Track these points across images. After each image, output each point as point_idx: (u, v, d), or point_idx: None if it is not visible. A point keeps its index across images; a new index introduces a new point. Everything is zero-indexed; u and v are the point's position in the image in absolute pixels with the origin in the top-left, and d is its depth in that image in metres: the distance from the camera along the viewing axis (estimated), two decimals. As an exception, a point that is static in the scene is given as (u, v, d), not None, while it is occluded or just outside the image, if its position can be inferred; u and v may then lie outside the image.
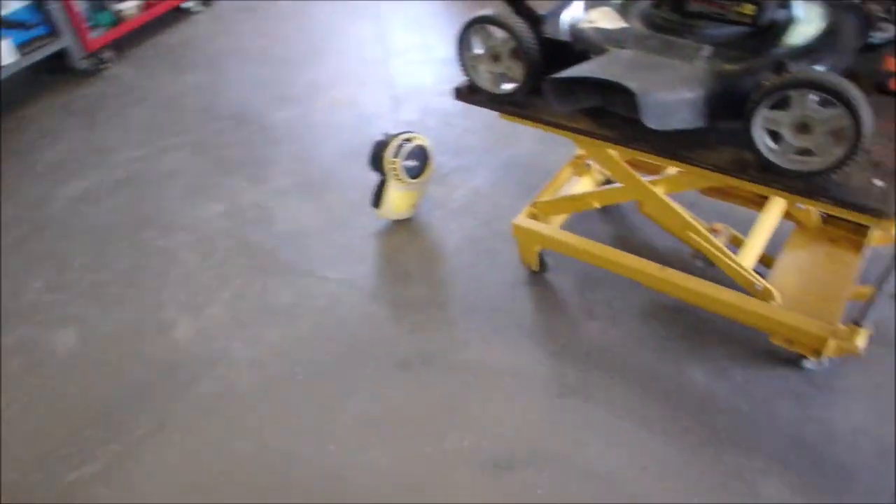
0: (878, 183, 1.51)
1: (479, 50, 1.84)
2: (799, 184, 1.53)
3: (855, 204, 1.49)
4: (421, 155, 2.63)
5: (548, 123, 1.82)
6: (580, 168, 2.46)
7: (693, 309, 2.16)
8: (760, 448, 1.84)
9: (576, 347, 2.16)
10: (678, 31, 1.69)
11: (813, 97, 1.43)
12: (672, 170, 2.05)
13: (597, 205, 2.20)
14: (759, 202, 2.20)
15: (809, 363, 1.96)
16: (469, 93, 1.93)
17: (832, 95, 1.41)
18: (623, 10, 1.83)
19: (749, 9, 1.58)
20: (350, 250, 2.62)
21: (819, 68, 1.56)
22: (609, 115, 1.74)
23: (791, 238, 2.15)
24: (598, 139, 1.77)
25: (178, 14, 4.45)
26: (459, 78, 1.91)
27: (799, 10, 1.71)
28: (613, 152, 1.94)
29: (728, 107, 1.58)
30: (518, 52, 1.76)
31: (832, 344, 1.80)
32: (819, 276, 2.02)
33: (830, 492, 1.74)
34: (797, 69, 1.47)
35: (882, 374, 1.98)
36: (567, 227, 2.32)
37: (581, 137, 1.81)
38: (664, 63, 1.60)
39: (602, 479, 1.82)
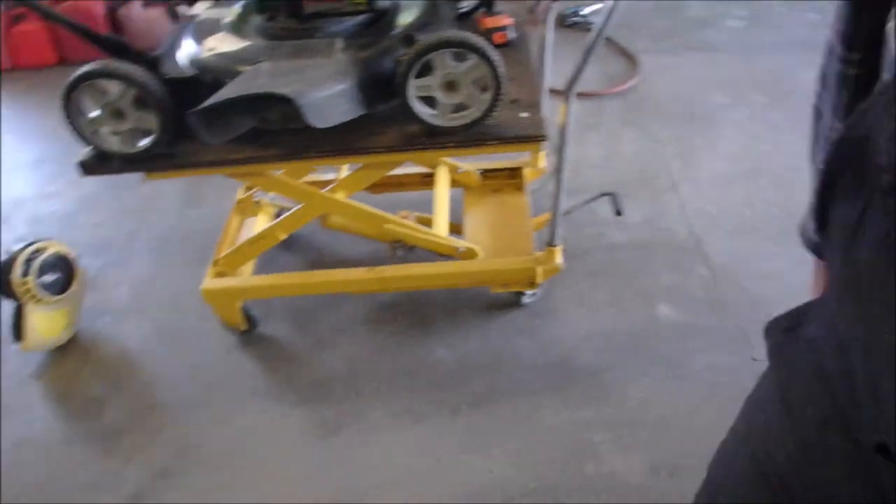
0: (524, 114, 1.70)
1: (94, 112, 1.61)
2: (464, 136, 1.64)
3: (516, 136, 1.64)
4: (61, 264, 2.23)
5: (207, 165, 1.68)
6: (247, 210, 2.34)
7: (409, 298, 2.20)
8: (525, 388, 1.94)
9: (320, 384, 2.04)
10: (303, 35, 1.69)
11: (449, 56, 1.54)
12: (344, 173, 2.06)
13: (283, 236, 2.10)
14: (427, 181, 2.34)
15: (527, 297, 2.13)
16: (99, 163, 1.68)
17: (465, 48, 1.53)
18: (238, 31, 1.77)
19: (362, -2, 1.64)
20: (8, 409, 2.10)
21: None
22: (267, 134, 1.68)
23: (465, 202, 2.32)
24: (268, 162, 1.68)
25: None
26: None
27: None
28: (283, 176, 1.88)
29: (379, 90, 1.64)
30: (144, 100, 1.58)
31: (539, 270, 1.97)
32: (502, 222, 2.21)
33: (597, 392, 1.91)
34: (425, 38, 1.57)
35: (579, 281, 2.24)
36: (257, 273, 2.19)
37: (248, 168, 1.71)
38: (305, 65, 1.58)
39: (404, 488, 1.75)
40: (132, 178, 1.66)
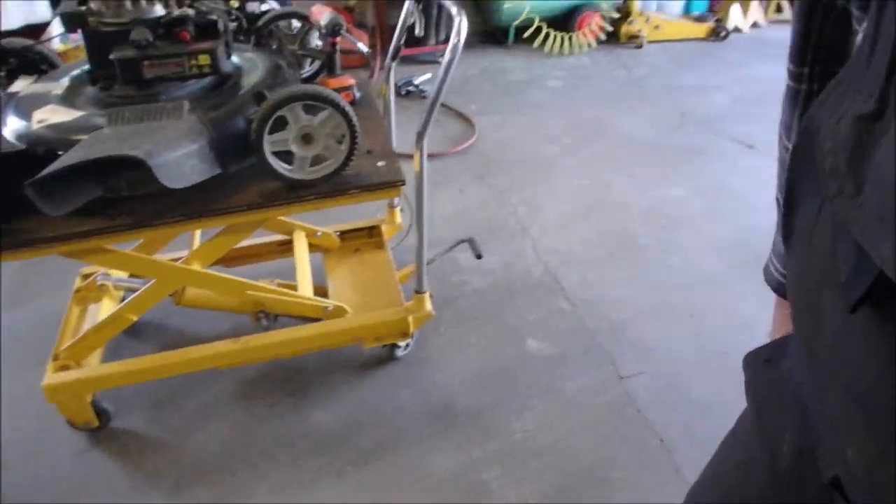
0: (381, 163, 1.73)
1: None
2: (326, 188, 1.65)
3: (377, 183, 1.67)
4: None
5: (47, 242, 1.53)
6: (88, 298, 2.17)
7: (281, 367, 2.12)
8: (410, 438, 1.91)
9: (192, 469, 1.89)
10: (144, 102, 1.64)
11: (301, 109, 1.56)
12: (196, 243, 1.97)
13: (134, 318, 1.95)
14: (284, 248, 2.30)
15: (401, 349, 2.12)
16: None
17: (317, 100, 1.55)
18: (70, 103, 1.68)
19: (205, 59, 1.62)
20: None
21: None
22: (114, 204, 1.58)
23: (326, 264, 2.29)
24: (118, 232, 1.57)
25: None
26: None
27: (241, 59, 1.85)
28: (132, 252, 1.77)
29: (232, 149, 1.61)
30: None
31: (411, 319, 1.98)
32: (367, 279, 2.21)
33: (482, 431, 1.92)
34: (276, 93, 1.57)
35: (449, 327, 2.27)
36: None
37: (94, 243, 1.59)
38: (153, 127, 1.52)
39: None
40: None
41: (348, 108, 1.58)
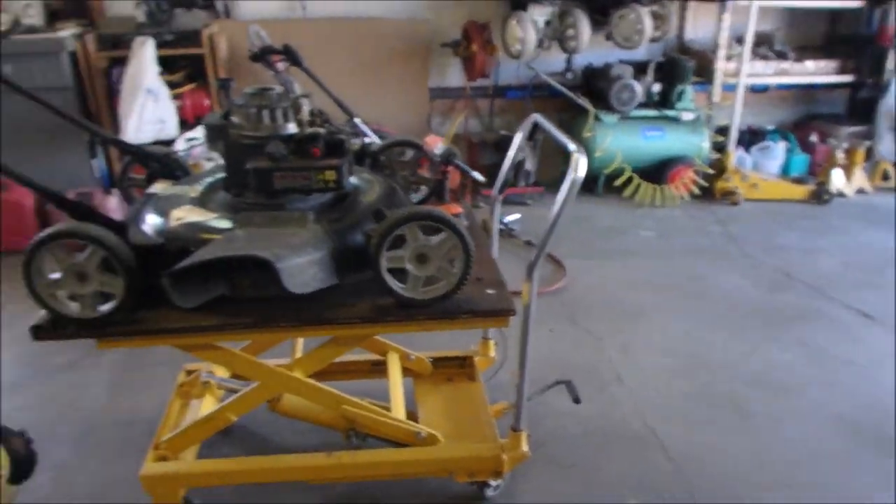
0: (491, 291, 1.71)
1: (55, 274, 1.51)
2: (437, 309, 1.63)
3: (487, 310, 1.64)
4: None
5: (172, 332, 1.57)
6: (190, 393, 2.17)
7: (366, 490, 2.02)
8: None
9: None
10: (272, 209, 1.70)
11: (420, 229, 1.57)
12: (298, 352, 1.96)
13: (234, 417, 1.92)
14: (375, 369, 2.26)
15: (491, 489, 2.00)
16: (54, 328, 1.55)
17: (436, 222, 1.57)
18: (204, 205, 1.76)
19: (331, 175, 1.68)
20: None
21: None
22: (233, 303, 1.61)
23: (417, 390, 2.23)
24: (237, 330, 1.59)
25: None
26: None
27: (359, 179, 1.92)
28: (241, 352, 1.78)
29: (350, 261, 1.63)
30: (111, 264, 1.51)
31: (506, 458, 1.87)
32: (459, 409, 2.13)
33: None
34: (396, 212, 1.60)
35: (541, 473, 2.13)
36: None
37: (211, 338, 1.61)
38: (280, 233, 1.57)
39: None
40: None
41: (465, 233, 1.59)
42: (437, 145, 1.94)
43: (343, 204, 1.77)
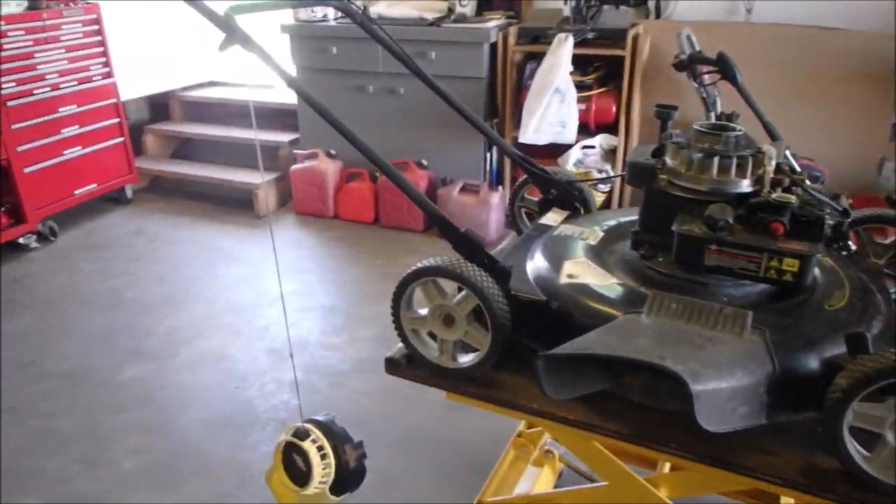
0: None
1: (423, 310, 1.33)
2: (913, 505, 1.06)
3: None
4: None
5: (528, 412, 1.29)
6: (526, 449, 1.92)
7: None
8: None
9: None
10: (689, 290, 1.29)
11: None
12: (667, 465, 1.54)
13: (566, 506, 1.61)
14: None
15: None
16: (407, 366, 1.40)
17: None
18: (600, 260, 1.42)
19: (792, 265, 1.19)
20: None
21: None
22: (605, 395, 1.25)
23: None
24: (604, 434, 1.24)
25: (11, 250, 3.76)
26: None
27: (817, 265, 1.39)
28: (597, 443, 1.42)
29: (787, 392, 1.14)
30: (483, 315, 1.26)
31: None
32: None
33: None
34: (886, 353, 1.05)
35: None
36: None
37: (574, 431, 1.28)
38: (703, 336, 1.15)
39: None
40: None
41: None
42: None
43: (793, 303, 1.28)
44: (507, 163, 4.04)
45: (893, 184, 3.79)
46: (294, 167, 4.26)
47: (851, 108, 3.72)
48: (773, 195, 1.24)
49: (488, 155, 4.02)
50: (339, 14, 4.26)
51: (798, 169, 1.33)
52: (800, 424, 1.16)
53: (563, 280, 1.35)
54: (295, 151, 4.35)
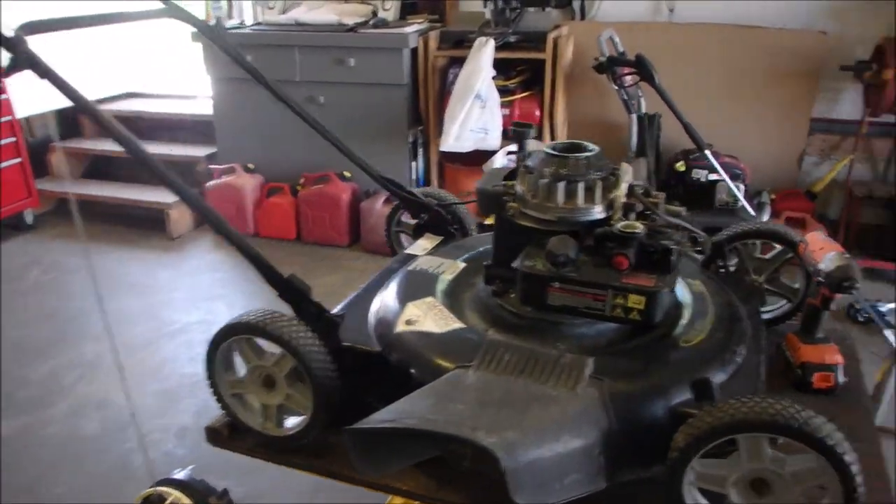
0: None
1: (241, 372, 1.19)
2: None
3: None
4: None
5: (360, 483, 1.14)
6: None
7: None
8: None
9: None
10: (538, 331, 1.16)
11: (766, 442, 0.90)
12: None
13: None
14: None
15: None
16: (230, 435, 1.24)
17: (799, 438, 0.88)
18: (452, 300, 1.29)
19: (637, 301, 1.07)
20: None
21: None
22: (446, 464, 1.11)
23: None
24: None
25: None
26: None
27: (681, 289, 1.28)
28: None
29: (631, 447, 1.02)
30: (303, 374, 1.12)
31: None
32: None
33: None
34: (735, 400, 0.93)
35: None
36: None
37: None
38: (532, 393, 1.01)
39: None
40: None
41: (850, 461, 0.87)
42: (827, 255, 1.22)
43: (645, 340, 1.15)
44: (434, 171, 3.91)
45: (814, 179, 3.75)
46: (210, 183, 4.06)
47: (773, 105, 3.66)
48: (619, 224, 1.11)
49: (413, 164, 3.88)
50: (256, 20, 4.13)
51: (653, 192, 1.20)
52: (651, 481, 1.03)
53: (400, 328, 1.22)
54: (210, 167, 4.16)
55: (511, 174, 1.30)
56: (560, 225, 1.16)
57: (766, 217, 3.34)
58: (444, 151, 3.59)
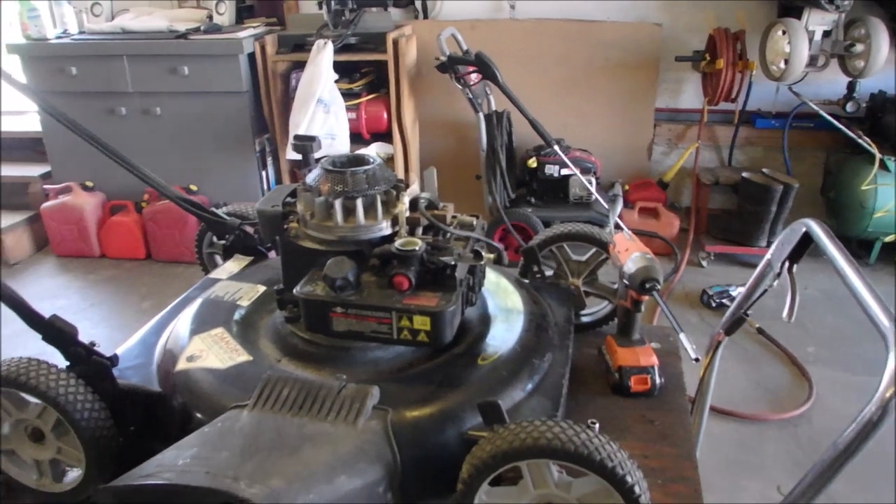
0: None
1: (5, 427, 1.05)
2: None
3: None
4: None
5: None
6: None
7: None
8: None
9: None
10: (328, 357, 1.09)
11: (550, 465, 0.86)
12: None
13: None
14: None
15: None
16: (7, 495, 1.10)
17: (580, 462, 0.84)
18: (245, 328, 1.19)
19: (422, 323, 1.01)
20: None
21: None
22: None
23: None
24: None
25: None
26: None
27: (491, 296, 1.24)
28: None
29: (422, 478, 0.96)
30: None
31: None
32: None
33: None
34: (528, 419, 0.89)
35: None
36: None
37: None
38: (308, 431, 0.93)
39: None
40: None
41: (632, 482, 0.84)
42: (631, 255, 1.20)
43: (440, 361, 1.10)
44: (287, 180, 3.76)
45: (664, 168, 3.89)
46: (45, 204, 3.74)
47: (618, 97, 3.77)
48: (398, 242, 1.05)
49: (263, 173, 3.72)
50: (80, 29, 3.83)
51: (439, 205, 1.15)
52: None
53: (181, 365, 1.10)
54: (45, 187, 3.83)
55: (293, 193, 1.21)
56: (342, 245, 1.09)
57: (619, 209, 3.43)
58: (293, 160, 3.46)
